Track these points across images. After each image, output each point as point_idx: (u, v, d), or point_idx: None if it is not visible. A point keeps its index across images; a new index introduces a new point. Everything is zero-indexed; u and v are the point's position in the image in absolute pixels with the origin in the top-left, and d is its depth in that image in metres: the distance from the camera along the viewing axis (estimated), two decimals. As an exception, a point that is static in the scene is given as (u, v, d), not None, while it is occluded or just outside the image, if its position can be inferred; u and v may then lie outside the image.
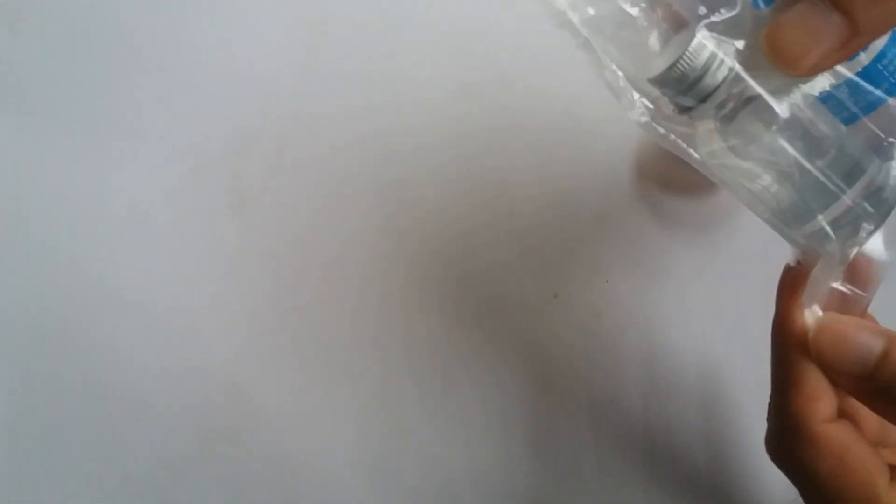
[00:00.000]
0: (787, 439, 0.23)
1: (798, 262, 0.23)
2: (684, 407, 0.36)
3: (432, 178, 0.39)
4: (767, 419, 0.24)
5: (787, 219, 0.22)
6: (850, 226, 0.22)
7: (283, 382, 0.38)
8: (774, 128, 0.21)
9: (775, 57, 0.20)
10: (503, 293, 0.38)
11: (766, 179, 0.22)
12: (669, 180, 0.38)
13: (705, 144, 0.22)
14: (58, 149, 0.40)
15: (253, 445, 0.37)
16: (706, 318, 0.37)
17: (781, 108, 0.21)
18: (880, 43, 0.25)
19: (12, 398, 0.38)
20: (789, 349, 0.23)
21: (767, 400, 0.24)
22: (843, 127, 0.22)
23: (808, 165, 0.21)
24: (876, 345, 0.21)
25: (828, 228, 0.22)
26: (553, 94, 0.39)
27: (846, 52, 0.20)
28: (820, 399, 0.22)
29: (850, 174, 0.21)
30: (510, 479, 0.36)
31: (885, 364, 0.21)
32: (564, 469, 0.36)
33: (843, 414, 0.23)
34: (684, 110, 0.22)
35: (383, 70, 0.40)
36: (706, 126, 0.22)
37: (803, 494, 0.23)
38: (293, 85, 0.40)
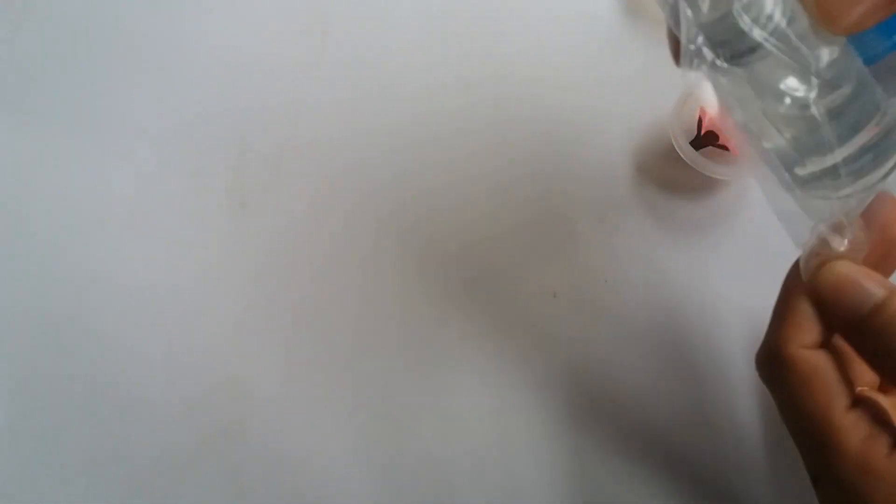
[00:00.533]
0: (770, 357, 0.25)
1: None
2: (685, 406, 0.36)
3: (432, 177, 0.39)
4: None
5: (796, 156, 0.22)
6: (860, 169, 0.22)
7: (284, 380, 0.38)
8: (810, 82, 0.21)
9: (818, 12, 0.20)
10: (502, 293, 0.38)
11: (785, 126, 0.22)
12: (669, 180, 0.38)
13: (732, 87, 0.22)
14: (58, 149, 0.40)
15: (253, 442, 0.37)
16: (706, 318, 0.37)
17: (818, 63, 0.21)
18: None
19: (12, 398, 0.38)
20: (791, 282, 0.25)
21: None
22: (864, 68, 0.22)
23: (829, 109, 0.21)
24: (877, 293, 0.23)
25: (832, 167, 0.22)
26: (553, 95, 0.39)
27: (891, 8, 0.20)
28: (803, 328, 0.24)
29: (864, 115, 0.21)
30: (510, 478, 0.36)
31: (880, 312, 0.22)
32: (565, 468, 0.36)
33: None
34: (733, 58, 0.21)
35: (384, 70, 0.40)
36: (736, 71, 0.22)
37: (777, 407, 0.25)
38: (293, 85, 0.40)
